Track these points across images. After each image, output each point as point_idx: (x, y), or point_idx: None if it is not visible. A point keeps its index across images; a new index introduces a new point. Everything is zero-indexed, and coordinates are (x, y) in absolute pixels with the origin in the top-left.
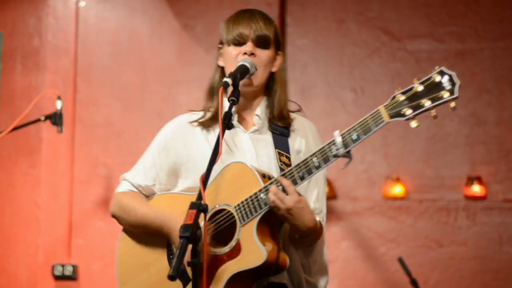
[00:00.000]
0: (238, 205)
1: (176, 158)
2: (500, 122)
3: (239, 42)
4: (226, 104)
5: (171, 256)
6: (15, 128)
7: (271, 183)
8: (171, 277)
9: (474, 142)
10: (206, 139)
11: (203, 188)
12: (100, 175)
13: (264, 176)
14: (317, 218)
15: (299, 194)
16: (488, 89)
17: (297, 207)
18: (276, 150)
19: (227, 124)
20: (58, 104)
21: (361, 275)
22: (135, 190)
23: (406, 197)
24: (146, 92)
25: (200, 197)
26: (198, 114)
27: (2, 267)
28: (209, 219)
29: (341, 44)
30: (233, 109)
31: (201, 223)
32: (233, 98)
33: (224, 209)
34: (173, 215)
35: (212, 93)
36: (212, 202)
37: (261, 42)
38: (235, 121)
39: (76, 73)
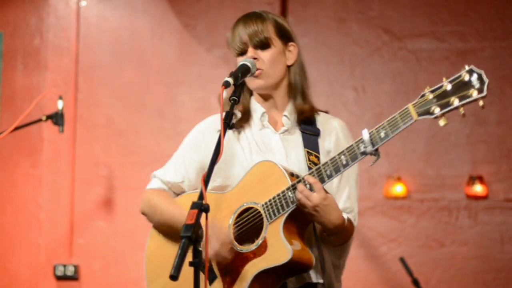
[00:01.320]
0: (266, 203)
1: (205, 157)
2: (501, 121)
3: (242, 51)
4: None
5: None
6: (16, 128)
7: (298, 181)
8: (173, 277)
9: (475, 142)
10: (237, 139)
11: (204, 188)
12: (101, 175)
13: (292, 175)
14: (346, 216)
15: (326, 192)
16: (489, 88)
17: (323, 204)
18: (305, 149)
19: (229, 124)
20: (60, 104)
21: (362, 275)
22: (165, 187)
23: (407, 197)
24: (147, 91)
25: (201, 196)
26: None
27: (4, 267)
28: (237, 217)
29: (342, 43)
30: (261, 109)
31: (228, 221)
32: (234, 97)
33: (251, 207)
34: None
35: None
36: (240, 200)
37: (259, 44)
38: (265, 122)
39: (77, 73)
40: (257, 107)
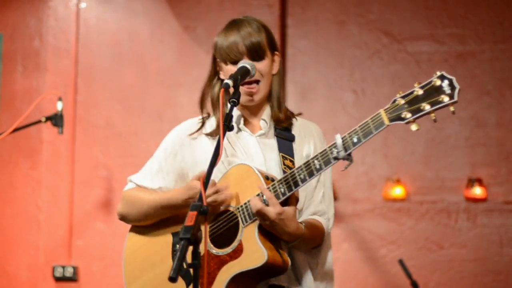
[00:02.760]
0: (241, 206)
1: (183, 163)
2: (500, 124)
3: (235, 60)
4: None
5: (174, 256)
6: (15, 130)
7: (270, 187)
8: (172, 279)
9: (474, 144)
10: (212, 145)
11: (203, 190)
12: (100, 177)
13: (268, 178)
14: (320, 219)
15: (282, 205)
16: (488, 91)
17: (278, 219)
18: (280, 153)
19: (228, 126)
20: (59, 106)
21: (361, 277)
22: None
23: (406, 199)
24: (147, 93)
25: (200, 198)
26: (198, 123)
27: (3, 268)
28: (213, 220)
29: (342, 46)
30: (237, 112)
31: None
32: (234, 99)
33: (228, 210)
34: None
35: (214, 102)
36: None
37: (255, 55)
38: (241, 124)
39: (76, 75)
40: (234, 111)
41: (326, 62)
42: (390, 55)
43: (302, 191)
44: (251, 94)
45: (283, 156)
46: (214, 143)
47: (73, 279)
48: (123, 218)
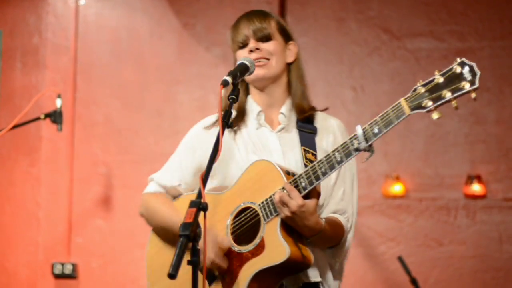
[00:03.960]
0: (262, 202)
1: (202, 159)
2: (500, 120)
3: (243, 44)
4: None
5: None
6: (15, 126)
7: (292, 181)
8: (171, 276)
9: (474, 141)
10: (233, 139)
11: (202, 187)
12: (100, 174)
13: (288, 173)
14: (341, 218)
15: (304, 199)
16: (488, 87)
17: (300, 211)
18: (302, 147)
19: (227, 123)
20: (58, 102)
21: (360, 274)
22: (162, 190)
23: (406, 196)
24: (146, 90)
25: (200, 195)
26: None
27: (2, 266)
28: (234, 218)
29: (341, 43)
30: (257, 108)
31: (228, 221)
32: (233, 96)
33: (249, 207)
34: None
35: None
36: (237, 200)
37: (261, 36)
38: (262, 120)
39: (76, 72)
40: (253, 106)
41: (326, 59)
42: (390, 52)
43: (322, 188)
44: (260, 67)
45: (305, 150)
46: (235, 136)
47: (72, 276)
48: (144, 219)
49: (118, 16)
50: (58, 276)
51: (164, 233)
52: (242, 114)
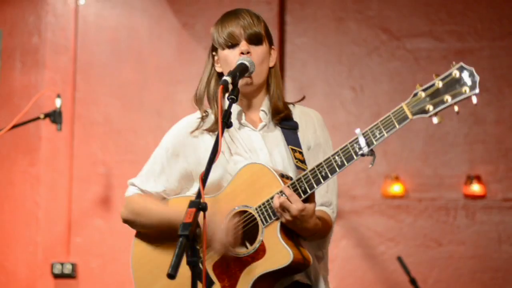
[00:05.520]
0: (260, 206)
1: (186, 164)
2: (499, 121)
3: (232, 43)
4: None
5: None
6: (14, 126)
7: (290, 185)
8: (170, 276)
9: (473, 141)
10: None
11: (202, 187)
12: (99, 173)
13: (283, 176)
14: (327, 210)
15: (304, 202)
16: (487, 88)
17: (300, 215)
18: (289, 146)
19: (227, 123)
20: (58, 102)
21: (360, 274)
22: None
23: (405, 196)
24: (146, 90)
25: (199, 195)
26: (197, 120)
27: (1, 265)
28: (229, 221)
29: (341, 43)
30: (237, 108)
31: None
32: (232, 96)
33: (244, 211)
34: None
35: (210, 98)
36: (230, 203)
37: (254, 39)
38: (243, 120)
39: (75, 71)
40: (233, 107)
41: (325, 59)
42: (389, 52)
43: None
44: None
45: (292, 149)
46: (213, 137)
47: (71, 276)
48: (129, 224)
49: (117, 16)
50: (57, 276)
51: (154, 233)
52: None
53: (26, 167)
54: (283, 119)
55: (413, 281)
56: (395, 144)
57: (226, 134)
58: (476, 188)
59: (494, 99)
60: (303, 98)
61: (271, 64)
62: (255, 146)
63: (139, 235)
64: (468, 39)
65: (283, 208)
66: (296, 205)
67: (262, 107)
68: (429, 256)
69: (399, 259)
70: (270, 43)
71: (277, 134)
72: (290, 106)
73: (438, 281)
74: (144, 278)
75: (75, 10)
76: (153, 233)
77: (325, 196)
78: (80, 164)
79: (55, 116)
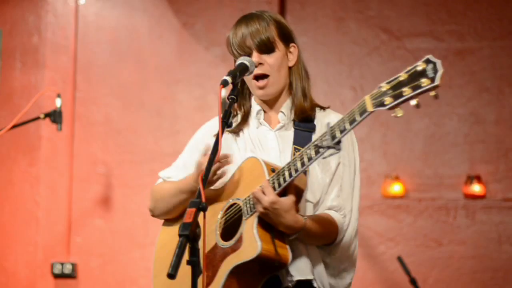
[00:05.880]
0: (245, 198)
1: None
2: (499, 121)
3: (245, 55)
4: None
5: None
6: (14, 126)
7: (271, 178)
8: (170, 276)
9: (473, 141)
10: (235, 140)
11: (202, 187)
12: (99, 173)
13: (273, 170)
14: (335, 215)
15: (279, 196)
16: (487, 88)
17: (272, 207)
18: (293, 146)
19: (227, 123)
20: (58, 102)
21: (360, 274)
22: None
23: (405, 196)
24: (146, 90)
25: (199, 195)
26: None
27: (1, 265)
28: (224, 213)
29: (341, 43)
30: (257, 107)
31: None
32: (232, 96)
33: (235, 203)
34: None
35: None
36: (227, 196)
37: (264, 48)
38: (261, 119)
39: (75, 71)
40: (254, 106)
41: (325, 59)
42: (389, 52)
43: (319, 186)
44: (261, 88)
45: (296, 149)
46: (237, 138)
47: (71, 275)
48: (152, 213)
49: (117, 15)
50: (57, 276)
51: (177, 208)
52: (246, 116)
53: (26, 167)
54: (303, 120)
55: (413, 281)
56: (395, 144)
57: (246, 133)
58: (476, 188)
59: (494, 99)
60: (328, 107)
61: (291, 64)
62: (269, 145)
63: (164, 224)
64: (468, 39)
65: (256, 199)
66: (268, 197)
67: (282, 108)
68: (429, 256)
69: (399, 259)
70: (287, 43)
71: (289, 134)
72: (318, 109)
73: (438, 281)
74: (160, 266)
75: (75, 10)
76: (173, 217)
77: (335, 200)
78: (80, 164)
79: (55, 116)
